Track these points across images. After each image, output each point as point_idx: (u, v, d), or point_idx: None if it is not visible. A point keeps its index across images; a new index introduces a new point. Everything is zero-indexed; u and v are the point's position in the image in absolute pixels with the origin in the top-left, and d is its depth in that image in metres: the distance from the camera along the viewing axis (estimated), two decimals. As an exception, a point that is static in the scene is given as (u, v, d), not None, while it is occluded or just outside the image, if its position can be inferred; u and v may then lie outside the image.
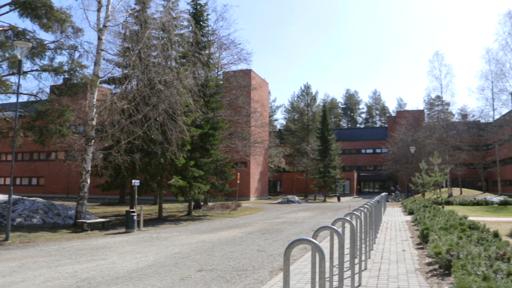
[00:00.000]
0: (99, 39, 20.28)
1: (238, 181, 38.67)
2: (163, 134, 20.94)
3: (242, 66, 42.84)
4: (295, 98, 70.72)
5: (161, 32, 22.98)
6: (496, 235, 9.53)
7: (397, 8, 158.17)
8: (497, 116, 50.27)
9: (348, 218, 5.98)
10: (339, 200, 51.45)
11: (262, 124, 49.93)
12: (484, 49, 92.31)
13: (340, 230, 9.52)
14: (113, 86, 23.22)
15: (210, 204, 33.03)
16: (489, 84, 47.67)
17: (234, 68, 40.99)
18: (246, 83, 43.86)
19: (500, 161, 52.37)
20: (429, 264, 8.46)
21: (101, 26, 20.30)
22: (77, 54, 20.00)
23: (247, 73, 48.49)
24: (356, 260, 7.01)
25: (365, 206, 8.84)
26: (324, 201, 51.47)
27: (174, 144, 21.10)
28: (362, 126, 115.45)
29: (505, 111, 50.26)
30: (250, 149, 42.36)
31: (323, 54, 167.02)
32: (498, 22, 78.10)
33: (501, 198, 35.17)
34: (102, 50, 20.54)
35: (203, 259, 10.25)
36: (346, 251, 8.71)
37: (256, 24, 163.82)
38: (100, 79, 21.42)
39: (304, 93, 67.80)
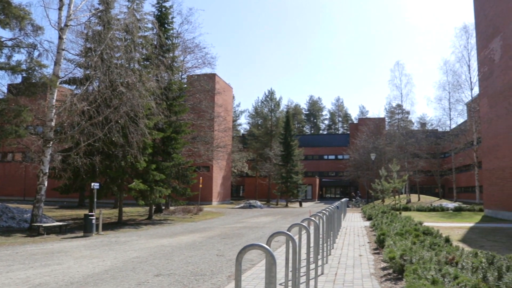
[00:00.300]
0: (60, 38, 19.85)
1: (200, 185, 38.47)
2: (124, 137, 20.65)
3: (206, 70, 42.87)
4: (259, 104, 71.19)
5: (125, 33, 22.69)
6: (447, 240, 9.86)
7: (360, 18, 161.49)
8: (453, 126, 52.04)
9: (304, 224, 6.08)
10: (301, 205, 51.88)
11: (225, 128, 49.90)
12: (442, 61, 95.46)
13: (297, 236, 9.63)
14: (74, 86, 22.74)
15: (171, 208, 32.73)
16: (446, 94, 49.33)
17: (198, 72, 40.85)
18: (210, 87, 43.72)
19: (455, 169, 54.14)
20: (384, 268, 8.68)
21: (62, 25, 19.88)
22: (36, 53, 19.54)
23: (212, 77, 48.40)
24: (314, 265, 7.11)
25: (323, 211, 8.98)
26: (286, 206, 51.81)
27: (135, 147, 20.84)
28: (325, 133, 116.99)
29: (460, 120, 52.08)
30: (213, 154, 42.25)
31: (288, 61, 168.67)
32: (455, 35, 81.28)
33: (456, 204, 36.33)
34: (63, 49, 20.11)
35: (162, 263, 10.18)
36: (305, 255, 8.82)
37: (222, 28, 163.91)
38: (60, 79, 20.96)
39: (268, 99, 68.23)
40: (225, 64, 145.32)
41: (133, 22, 22.59)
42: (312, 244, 8.61)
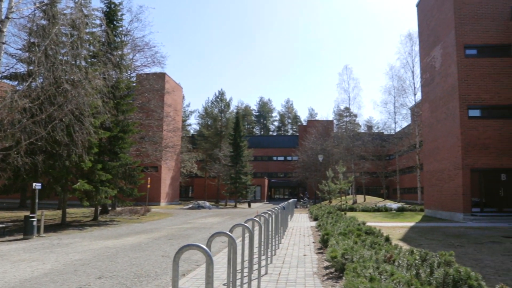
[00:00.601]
0: (1, 31, 19.03)
1: (148, 186, 37.95)
2: (69, 136, 20.04)
3: (156, 69, 42.20)
4: (209, 104, 70.93)
5: (71, 29, 22.02)
6: (387, 239, 10.23)
7: (311, 21, 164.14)
8: (398, 129, 53.83)
9: (248, 224, 6.16)
10: (249, 206, 52.12)
11: (174, 128, 49.40)
12: (388, 66, 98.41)
13: (247, 235, 9.68)
14: (16, 82, 21.88)
15: (118, 209, 32.05)
16: (391, 98, 50.99)
17: (147, 70, 40.25)
18: (159, 86, 43.14)
19: (399, 171, 56.03)
20: (326, 267, 8.90)
21: (3, 17, 19.04)
22: (-26, 47, 18.62)
23: (161, 76, 47.82)
24: (257, 266, 7.20)
25: (268, 212, 9.10)
26: (235, 206, 51.91)
27: (80, 147, 20.26)
28: (275, 134, 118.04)
29: (405, 124, 53.95)
30: (161, 154, 41.73)
31: (239, 62, 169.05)
32: (400, 42, 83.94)
33: (399, 205, 37.64)
34: (4, 43, 19.27)
35: (105, 265, 9.99)
36: (254, 255, 8.89)
37: (173, 27, 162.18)
38: (1, 74, 20.11)
39: (218, 99, 68.15)
40: (176, 63, 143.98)
41: (80, 17, 21.97)
42: (258, 245, 8.71)
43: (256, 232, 14.60)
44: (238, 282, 7.05)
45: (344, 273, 7.14)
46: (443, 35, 27.61)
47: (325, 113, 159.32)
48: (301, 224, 22.03)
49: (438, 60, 28.69)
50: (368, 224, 16.52)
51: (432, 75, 29.87)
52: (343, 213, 22.11)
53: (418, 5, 33.26)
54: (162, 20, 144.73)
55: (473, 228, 19.57)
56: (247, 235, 8.38)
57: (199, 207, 44.95)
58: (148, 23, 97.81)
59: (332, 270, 8.47)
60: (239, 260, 8.67)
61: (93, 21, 26.42)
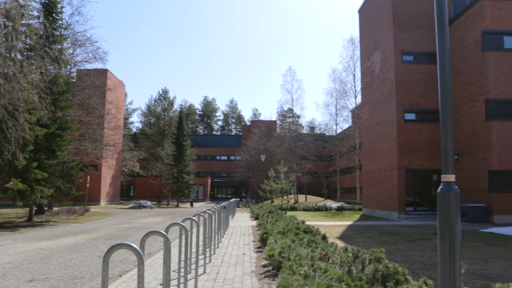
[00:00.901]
0: None
1: (88, 185, 36.86)
2: (2, 132, 19.15)
3: (97, 65, 41.16)
4: (152, 102, 69.92)
5: (5, 19, 21.03)
6: (324, 237, 10.51)
7: (257, 21, 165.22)
8: (339, 130, 55.28)
9: (185, 224, 6.16)
10: (192, 205, 51.76)
11: (116, 126, 48.27)
12: (331, 69, 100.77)
13: (177, 236, 9.62)
14: None
15: (55, 209, 30.91)
16: (333, 101, 52.32)
17: (88, 66, 39.01)
18: (101, 83, 41.98)
19: (340, 171, 57.58)
20: (264, 266, 9.03)
21: None
22: None
23: (103, 72, 46.56)
24: (195, 266, 7.20)
25: (207, 211, 9.13)
26: (177, 206, 51.41)
27: (14, 144, 19.40)
28: (218, 133, 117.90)
29: (345, 126, 55.49)
30: (102, 152, 40.70)
31: (183, 60, 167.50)
32: (343, 46, 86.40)
33: (339, 204, 38.68)
34: None
35: (37, 268, 9.63)
36: (192, 254, 8.88)
37: (115, 23, 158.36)
38: None
39: (161, 98, 67.27)
40: (118, 60, 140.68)
41: (15, 7, 21.00)
42: (187, 243, 8.69)
43: (196, 232, 14.58)
44: (175, 282, 7.05)
45: (280, 271, 7.29)
46: (383, 41, 28.65)
47: (269, 114, 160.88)
48: (242, 223, 22.16)
49: (377, 64, 29.74)
50: (308, 223, 16.88)
51: (372, 79, 30.91)
52: (283, 212, 22.44)
53: (360, 11, 34.30)
54: (104, 15, 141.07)
55: (406, 226, 20.44)
56: (191, 232, 8.36)
57: (141, 206, 44.17)
58: (90, 17, 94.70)
59: (270, 268, 8.61)
60: (178, 260, 8.64)
61: (30, 13, 25.31)
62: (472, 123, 24.04)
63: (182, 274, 6.50)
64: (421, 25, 26.86)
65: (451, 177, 4.39)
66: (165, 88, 79.17)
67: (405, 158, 25.69)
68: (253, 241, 13.66)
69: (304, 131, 65.05)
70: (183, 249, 6.54)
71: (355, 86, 47.13)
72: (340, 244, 12.56)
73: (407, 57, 26.82)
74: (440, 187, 4.42)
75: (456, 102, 25.52)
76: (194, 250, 10.01)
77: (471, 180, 23.93)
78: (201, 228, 9.37)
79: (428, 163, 25.67)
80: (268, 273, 8.19)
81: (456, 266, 4.15)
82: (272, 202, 45.14)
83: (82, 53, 36.05)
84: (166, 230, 5.39)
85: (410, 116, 26.30)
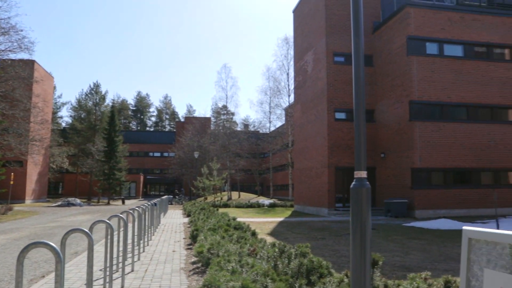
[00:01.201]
0: None
1: (11, 182, 35.06)
2: None
3: (23, 56, 38.93)
4: (83, 96, 67.48)
5: None
6: (254, 233, 10.66)
7: (192, 16, 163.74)
8: (272, 128, 56.07)
9: (111, 222, 6.04)
10: (123, 203, 50.57)
11: (43, 120, 46.07)
12: (266, 67, 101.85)
13: (113, 233, 9.41)
14: None
15: (-27, 207, 29.13)
16: (267, 99, 52.97)
17: (13, 56, 36.95)
18: (27, 74, 39.86)
19: (272, 168, 58.37)
20: (193, 263, 9.02)
21: None
22: None
23: (29, 64, 44.31)
24: (122, 264, 7.07)
25: (136, 209, 8.98)
26: (108, 204, 50.01)
27: None
28: (152, 130, 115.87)
29: (279, 124, 56.38)
30: (27, 147, 38.76)
31: (116, 54, 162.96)
32: (277, 45, 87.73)
33: (271, 201, 39.21)
34: None
35: (-49, 269, 9.07)
36: (118, 252, 8.72)
37: (44, 12, 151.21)
38: None
39: (93, 92, 65.16)
40: (47, 51, 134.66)
41: None
42: (106, 242, 8.53)
43: (124, 230, 14.27)
44: (101, 281, 6.89)
45: (209, 268, 7.32)
46: (315, 41, 29.36)
47: (203, 110, 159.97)
48: (174, 220, 21.96)
49: (310, 64, 30.43)
50: (240, 219, 17.00)
51: (305, 78, 31.60)
52: (216, 209, 22.47)
53: (294, 11, 34.92)
54: (33, 3, 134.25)
55: (335, 222, 21.12)
56: (119, 231, 8.18)
57: (69, 204, 42.51)
58: (15, 4, 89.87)
59: (199, 265, 8.62)
60: (104, 258, 8.43)
61: None
62: (398, 123, 25.21)
63: (108, 273, 6.37)
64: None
65: (363, 174, 4.59)
66: (97, 82, 76.44)
67: (335, 156, 26.51)
68: (184, 238, 13.58)
69: (238, 129, 65.40)
70: (115, 246, 6.40)
71: (288, 85, 48.02)
72: (271, 240, 12.77)
73: (338, 58, 27.65)
74: (353, 183, 4.62)
75: (384, 103, 26.68)
76: (121, 248, 9.81)
77: (396, 178, 25.11)
78: (130, 226, 9.21)
79: (356, 161, 26.63)
80: (197, 270, 8.19)
81: (367, 259, 4.36)
82: (206, 199, 45.00)
83: (5, 41, 34.09)
84: (91, 228, 5.27)
85: (340, 116, 27.16)
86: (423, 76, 24.14)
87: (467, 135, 24.31)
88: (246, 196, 53.86)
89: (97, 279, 7.28)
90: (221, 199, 44.03)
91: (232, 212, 25.78)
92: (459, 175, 24.43)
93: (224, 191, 57.61)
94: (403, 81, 24.78)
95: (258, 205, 34.44)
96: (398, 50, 25.39)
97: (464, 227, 2.70)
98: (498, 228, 15.66)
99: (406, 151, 24.24)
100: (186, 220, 21.85)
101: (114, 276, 7.26)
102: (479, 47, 25.53)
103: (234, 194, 54.75)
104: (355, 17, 4.91)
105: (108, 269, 6.33)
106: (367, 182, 4.59)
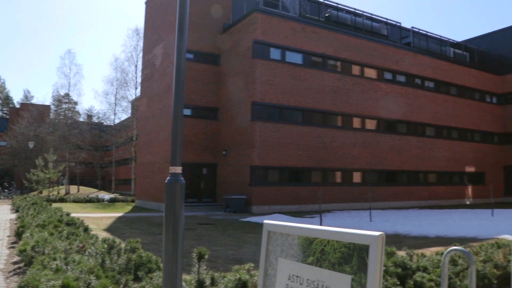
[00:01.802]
0: None
1: None
2: None
3: None
4: None
5: None
6: (86, 229, 10.30)
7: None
8: (117, 121, 54.22)
9: None
10: None
11: None
12: (113, 57, 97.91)
13: None
14: None
15: None
16: (113, 90, 50.98)
17: None
18: None
19: (115, 162, 56.53)
20: (15, 262, 8.41)
21: None
22: None
23: None
24: None
25: None
26: None
27: None
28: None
29: (124, 116, 54.75)
30: None
31: None
32: (127, 35, 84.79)
33: (112, 196, 38.04)
34: None
35: None
36: None
37: None
38: None
39: None
40: None
41: None
42: None
43: None
44: None
45: (31, 267, 6.91)
46: (165, 35, 29.16)
47: (43, 98, 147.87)
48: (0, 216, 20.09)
49: (158, 58, 30.14)
50: (75, 215, 16.24)
51: (152, 71, 31.20)
52: (49, 204, 21.06)
53: (146, 3, 34.21)
54: None
55: (175, 218, 21.23)
56: None
57: None
58: None
59: (22, 265, 8.06)
60: None
61: None
62: (240, 122, 26.27)
63: None
64: (202, 26, 28.18)
65: (178, 169, 4.76)
66: None
67: (179, 151, 26.64)
68: (8, 236, 12.53)
69: (81, 119, 61.84)
70: None
71: (136, 77, 46.79)
72: (106, 236, 12.42)
73: (188, 55, 27.65)
74: (168, 178, 4.76)
75: (230, 102, 27.57)
76: None
77: (236, 174, 26.16)
78: None
79: (198, 157, 27.19)
80: (18, 270, 7.67)
81: (178, 253, 4.55)
82: (41, 193, 41.82)
83: None
84: None
85: (186, 112, 27.36)
86: (266, 79, 25.49)
87: (302, 136, 26.32)
88: (86, 191, 51.30)
89: None
90: (58, 193, 41.38)
91: (68, 207, 24.43)
92: (293, 174, 26.36)
93: (62, 184, 54.16)
94: (247, 83, 25.89)
95: (98, 200, 33.17)
96: (244, 52, 26.45)
97: (265, 221, 3.03)
98: (321, 223, 17.29)
99: (247, 149, 25.39)
100: (14, 216, 20.12)
101: None
102: (316, 57, 27.78)
103: (73, 188, 51.77)
104: (181, 13, 5.06)
105: None
106: (182, 178, 4.75)
